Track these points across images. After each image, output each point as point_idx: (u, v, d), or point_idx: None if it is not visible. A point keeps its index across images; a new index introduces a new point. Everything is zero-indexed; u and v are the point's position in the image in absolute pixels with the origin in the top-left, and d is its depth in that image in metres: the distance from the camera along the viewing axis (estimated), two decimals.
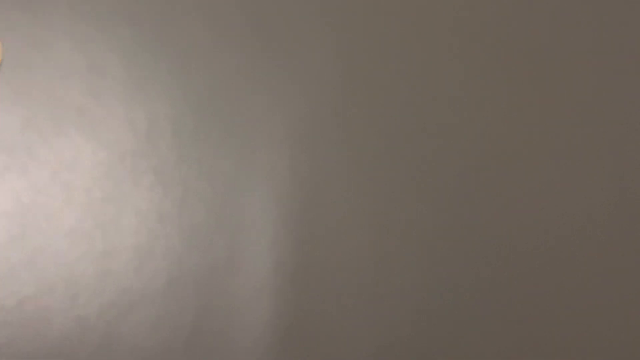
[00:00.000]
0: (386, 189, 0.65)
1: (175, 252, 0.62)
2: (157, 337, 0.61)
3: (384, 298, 0.63)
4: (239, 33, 0.66)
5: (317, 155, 0.65)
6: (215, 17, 0.65)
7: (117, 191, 0.62)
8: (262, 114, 0.65)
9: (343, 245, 0.63)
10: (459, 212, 0.65)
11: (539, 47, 0.68)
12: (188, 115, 0.64)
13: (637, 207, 0.66)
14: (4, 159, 0.62)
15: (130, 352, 0.60)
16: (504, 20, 0.68)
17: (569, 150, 0.67)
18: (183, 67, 0.65)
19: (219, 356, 0.61)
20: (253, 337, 0.61)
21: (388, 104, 0.66)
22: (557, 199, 0.66)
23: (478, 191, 0.65)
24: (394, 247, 0.64)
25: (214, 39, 0.65)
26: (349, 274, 0.63)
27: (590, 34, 0.69)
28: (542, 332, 0.64)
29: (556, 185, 0.66)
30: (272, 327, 0.61)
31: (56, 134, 0.63)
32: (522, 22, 0.68)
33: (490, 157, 0.66)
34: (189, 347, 0.61)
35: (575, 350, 0.64)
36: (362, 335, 0.62)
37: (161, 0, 0.65)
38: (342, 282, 0.63)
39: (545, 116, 0.67)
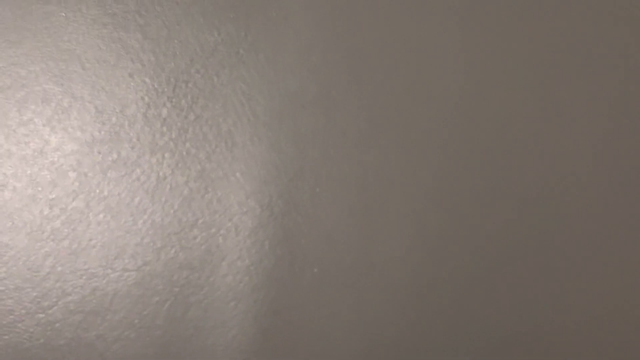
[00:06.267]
0: (374, 177, 0.59)
1: (148, 250, 0.57)
2: (127, 342, 0.56)
3: (369, 295, 0.57)
4: (217, 12, 0.60)
5: (300, 142, 0.59)
6: None
7: (85, 185, 0.58)
8: (241, 99, 0.60)
9: (327, 239, 0.58)
10: (453, 200, 0.59)
11: None
12: (161, 102, 0.59)
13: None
14: None
15: (97, 358, 0.56)
16: None
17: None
18: (155, 49, 0.60)
19: None
20: (230, 339, 0.56)
21: (374, 84, 0.60)
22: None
23: (471, 186, 0.59)
24: (381, 241, 0.58)
25: (189, 17, 0.60)
26: (332, 270, 0.57)
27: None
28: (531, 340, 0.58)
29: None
30: (251, 327, 0.56)
31: (20, 123, 0.58)
32: None
33: (483, 141, 0.60)
34: (162, 353, 0.56)
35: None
36: (344, 333, 0.56)
37: None
38: (325, 278, 0.57)
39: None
